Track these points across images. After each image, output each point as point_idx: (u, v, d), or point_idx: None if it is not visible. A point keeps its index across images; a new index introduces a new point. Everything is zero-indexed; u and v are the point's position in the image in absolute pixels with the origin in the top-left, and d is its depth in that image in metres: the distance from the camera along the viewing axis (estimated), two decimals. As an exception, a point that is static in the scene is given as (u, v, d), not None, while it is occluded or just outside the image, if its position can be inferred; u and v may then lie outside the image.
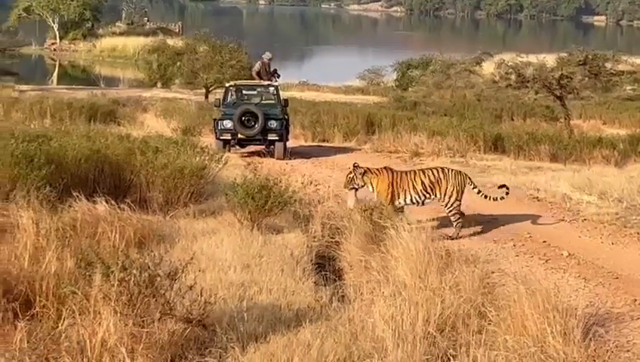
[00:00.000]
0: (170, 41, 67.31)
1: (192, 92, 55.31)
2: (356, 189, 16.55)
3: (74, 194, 14.64)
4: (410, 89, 62.09)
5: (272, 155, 28.19)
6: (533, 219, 18.17)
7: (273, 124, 28.25)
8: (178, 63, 57.91)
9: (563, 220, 18.34)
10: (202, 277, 10.91)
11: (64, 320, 9.22)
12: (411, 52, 78.73)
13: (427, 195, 16.60)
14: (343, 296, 11.71)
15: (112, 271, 9.02)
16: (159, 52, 61.12)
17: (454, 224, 16.44)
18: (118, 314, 8.87)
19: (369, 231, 14.31)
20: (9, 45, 60.01)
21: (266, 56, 31.60)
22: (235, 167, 22.93)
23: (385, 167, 17.08)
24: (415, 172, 17.07)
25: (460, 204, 16.60)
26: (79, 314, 9.04)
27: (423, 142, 30.60)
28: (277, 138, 28.27)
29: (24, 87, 54.37)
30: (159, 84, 61.94)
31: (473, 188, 16.90)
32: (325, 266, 13.67)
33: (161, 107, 41.69)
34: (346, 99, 54.90)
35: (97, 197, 14.58)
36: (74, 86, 64.84)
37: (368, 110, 39.21)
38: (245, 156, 28.28)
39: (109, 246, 11.98)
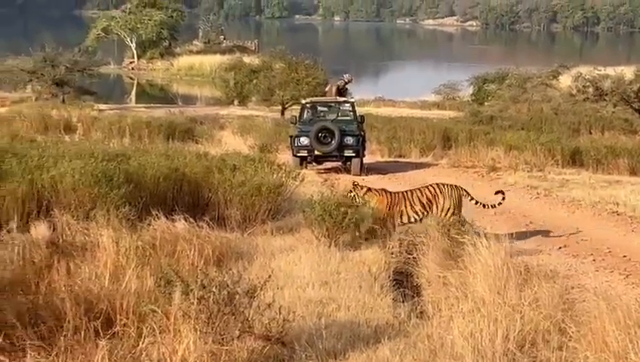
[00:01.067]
0: (246, 59, 67.89)
1: (269, 109, 55.60)
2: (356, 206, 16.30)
3: (153, 212, 14.78)
4: (486, 103, 61.61)
5: (348, 171, 28.22)
6: (613, 233, 17.92)
7: (349, 140, 28.29)
8: (254, 81, 58.35)
9: (644, 234, 18.06)
10: (281, 294, 10.94)
11: (144, 338, 9.29)
12: (487, 66, 78.14)
13: (425, 213, 16.58)
14: (421, 313, 11.64)
15: (192, 289, 9.07)
16: (236, 70, 61.64)
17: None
18: (198, 332, 8.92)
19: (447, 247, 14.22)
20: (88, 65, 60.63)
21: (347, 76, 31.71)
22: (311, 183, 22.99)
23: (383, 189, 17.17)
24: (412, 191, 16.96)
25: (458, 217, 16.46)
26: (159, 333, 9.11)
27: (500, 156, 30.35)
28: (353, 154, 28.30)
29: (103, 107, 55.09)
30: (236, 102, 62.38)
31: (470, 199, 16.88)
32: (403, 282, 13.61)
33: (238, 124, 41.97)
34: (421, 114, 54.77)
35: (176, 215, 14.71)
36: (152, 104, 65.56)
37: (444, 125, 39.02)
38: (322, 173, 28.31)
39: (188, 265, 12.08)
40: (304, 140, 28.28)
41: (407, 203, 16.53)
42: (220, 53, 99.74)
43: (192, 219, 14.39)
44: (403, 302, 12.10)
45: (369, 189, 16.67)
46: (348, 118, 29.62)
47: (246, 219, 16.81)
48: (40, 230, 13.91)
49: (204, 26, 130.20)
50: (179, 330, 9.00)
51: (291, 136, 29.41)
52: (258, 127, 39.79)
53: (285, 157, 28.26)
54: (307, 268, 13.13)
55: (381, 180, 26.54)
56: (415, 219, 16.58)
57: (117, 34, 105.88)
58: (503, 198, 17.06)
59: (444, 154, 33.51)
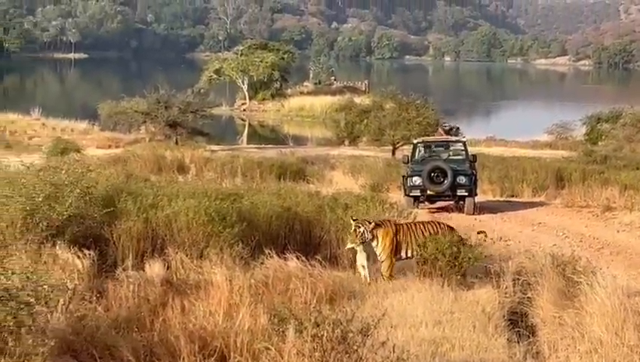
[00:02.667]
0: (356, 99, 68.16)
1: (379, 149, 55.57)
2: (366, 244, 15.73)
3: (265, 251, 14.87)
4: (600, 143, 60.77)
5: (460, 210, 28.05)
6: None
7: (462, 179, 28.17)
8: (365, 121, 58.46)
9: None
10: (394, 333, 10.85)
11: (258, 375, 9.31)
12: (600, 105, 77.14)
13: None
14: (537, 353, 11.44)
15: (305, 327, 9.06)
16: (346, 110, 61.95)
17: None
18: (312, 370, 8.89)
19: (562, 286, 13.95)
20: (201, 106, 61.43)
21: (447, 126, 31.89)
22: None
23: (388, 220, 16.59)
24: (416, 225, 16.48)
25: None
26: (273, 370, 9.11)
27: (614, 196, 29.78)
28: (466, 193, 28.17)
29: (215, 147, 55.76)
30: (346, 142, 62.57)
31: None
32: (518, 322, 13.38)
33: (349, 164, 42.02)
34: (533, 153, 54.17)
35: (288, 253, 14.78)
36: (263, 145, 66.20)
37: (557, 164, 38.50)
38: (433, 211, 28.17)
39: (300, 303, 12.09)
40: (417, 180, 28.25)
41: (413, 236, 15.94)
42: (331, 94, 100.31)
43: (304, 258, 14.43)
44: (518, 342, 11.88)
45: (377, 224, 15.93)
46: (460, 157, 29.52)
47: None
48: (154, 268, 14.09)
49: (314, 67, 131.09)
50: (292, 368, 8.98)
51: (404, 176, 29.42)
52: (369, 167, 39.79)
53: (396, 196, 28.21)
54: (420, 307, 13.01)
55: (493, 219, 26.30)
56: (417, 255, 15.76)
57: (229, 76, 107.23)
58: (485, 240, 16.76)
59: (557, 193, 33.03)
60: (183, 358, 9.73)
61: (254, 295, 12.19)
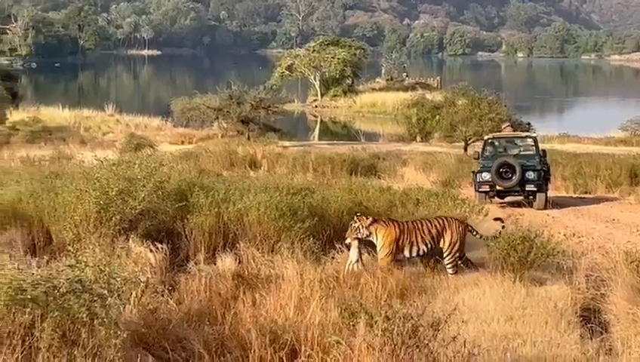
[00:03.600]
0: (428, 96, 67.93)
1: (451, 145, 55.33)
2: (360, 240, 15.27)
3: (336, 245, 14.87)
4: (676, 139, 59.84)
5: (532, 206, 27.88)
6: None
7: (531, 175, 28.00)
8: (437, 117, 58.27)
9: None
10: (465, 328, 10.78)
11: (328, 369, 9.32)
12: (677, 101, 75.96)
13: (432, 246, 15.59)
14: (610, 350, 11.28)
15: (376, 321, 9.04)
16: (418, 106, 61.75)
17: (450, 270, 15.51)
18: (382, 364, 8.88)
19: (636, 283, 13.76)
20: (272, 102, 61.63)
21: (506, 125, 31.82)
22: (495, 218, 22.69)
23: (391, 219, 16.04)
24: (421, 222, 15.92)
25: (462, 252, 15.77)
26: (344, 364, 9.11)
27: (691, 193, 29.35)
28: (535, 189, 28.00)
29: (287, 143, 55.92)
30: (418, 138, 62.38)
31: (476, 233, 16.11)
32: (590, 319, 13.22)
33: (421, 160, 41.88)
34: (607, 150, 53.48)
35: (359, 249, 14.78)
36: (335, 141, 66.28)
37: (632, 161, 37.95)
38: (505, 207, 27.97)
39: (371, 297, 12.07)
40: (486, 175, 28.15)
41: (418, 235, 15.53)
42: (402, 90, 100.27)
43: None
44: (591, 338, 11.74)
45: (375, 220, 15.54)
46: (530, 152, 29.35)
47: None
48: (226, 262, 14.18)
49: (386, 64, 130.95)
50: (363, 362, 8.97)
51: (473, 172, 29.33)
52: (440, 163, 39.64)
53: (468, 192, 28.11)
54: (492, 302, 12.91)
55: (566, 216, 26.05)
56: (423, 252, 15.59)
57: (301, 72, 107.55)
58: (503, 227, 16.34)
59: (631, 190, 32.56)
60: (254, 351, 9.76)
61: (325, 289, 12.21)
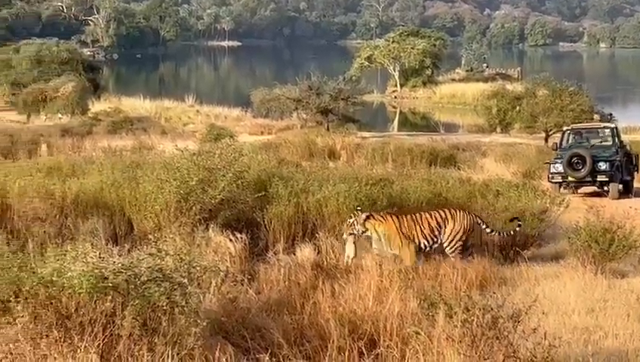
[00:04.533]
0: (509, 86, 67.28)
1: (531, 136, 54.80)
2: (355, 236, 14.88)
3: (415, 236, 14.83)
4: None
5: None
6: None
7: (603, 165, 27.95)
8: (517, 108, 57.72)
9: None
10: (545, 320, 10.65)
11: (408, 360, 9.29)
12: None
13: (435, 239, 15.09)
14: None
15: (455, 312, 8.99)
16: (498, 97, 61.15)
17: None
18: (462, 356, 8.82)
19: None
20: (352, 93, 61.56)
21: None
22: (576, 210, 22.36)
23: (389, 213, 15.46)
24: (421, 215, 15.36)
25: (463, 244, 15.17)
26: (423, 355, 9.08)
27: None
28: (606, 179, 27.98)
29: (366, 134, 55.84)
30: (498, 129, 61.86)
31: (485, 227, 15.53)
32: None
33: (501, 151, 41.55)
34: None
35: (439, 239, 14.74)
36: (414, 132, 66.06)
37: None
38: (586, 198, 27.63)
39: (450, 288, 12.01)
40: (558, 166, 28.25)
41: (418, 227, 15.06)
42: (483, 81, 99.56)
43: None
44: (675, 332, 11.55)
45: (371, 215, 15.06)
46: (607, 143, 29.19)
47: (509, 244, 16.54)
48: (305, 252, 14.21)
49: (466, 54, 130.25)
50: (442, 353, 8.93)
51: (547, 162, 29.27)
52: (521, 155, 39.26)
53: (549, 184, 27.86)
54: (572, 294, 12.78)
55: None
56: (425, 246, 15.09)
57: (380, 63, 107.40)
58: (520, 226, 15.93)
59: None
60: (333, 341, 9.77)
61: (404, 280, 12.19)
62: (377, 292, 11.55)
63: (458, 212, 15.33)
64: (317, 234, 15.23)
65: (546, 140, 50.70)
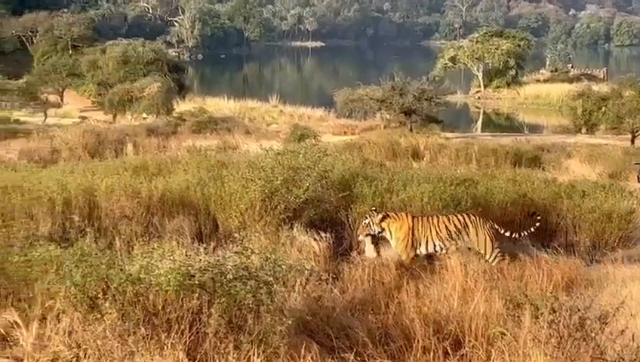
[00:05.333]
0: (594, 87, 66.44)
1: (617, 137, 54.13)
2: (373, 236, 14.79)
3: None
4: None
5: None
6: None
7: None
8: (603, 109, 57.02)
9: None
10: (633, 322, 10.51)
11: (493, 360, 9.24)
12: None
13: (452, 242, 14.67)
14: None
15: (542, 313, 8.93)
16: (583, 98, 60.45)
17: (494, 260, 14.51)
18: (548, 357, 8.75)
19: None
20: (435, 94, 61.36)
21: None
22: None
23: (405, 213, 15.19)
24: (438, 217, 15.01)
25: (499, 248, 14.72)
26: (508, 356, 9.03)
27: None
28: None
29: (449, 134, 55.62)
30: (583, 130, 61.18)
31: (504, 232, 15.01)
32: None
33: (586, 152, 41.06)
34: None
35: (524, 240, 14.62)
36: (497, 133, 65.62)
37: None
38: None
39: (536, 289, 11.91)
40: (647, 166, 27.83)
41: (433, 229, 14.75)
42: (567, 82, 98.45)
43: (539, 244, 14.24)
44: None
45: (387, 214, 14.96)
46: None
47: (595, 245, 16.36)
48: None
49: (551, 55, 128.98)
50: (528, 354, 8.87)
51: (638, 163, 28.90)
52: (607, 155, 38.78)
53: (636, 185, 27.44)
54: (662, 297, 12.57)
55: None
56: (440, 248, 14.73)
57: (464, 63, 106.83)
58: (539, 221, 15.51)
59: None
60: (418, 341, 9.77)
61: (489, 280, 12.13)
62: (462, 292, 11.51)
63: (477, 218, 15.01)
64: (401, 234, 15.19)
65: (632, 141, 50.10)
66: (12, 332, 10.16)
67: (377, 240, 14.85)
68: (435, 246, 14.76)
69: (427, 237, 14.75)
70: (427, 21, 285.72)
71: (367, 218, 14.90)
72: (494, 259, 14.51)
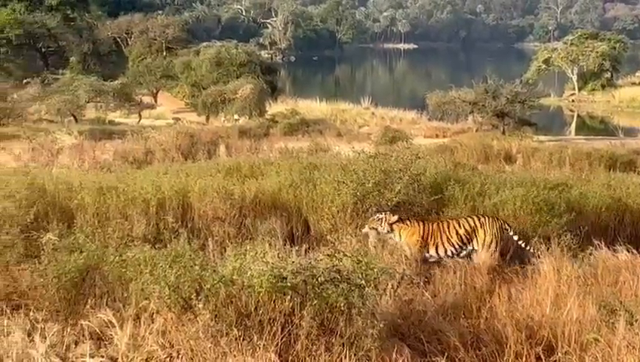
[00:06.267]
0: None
1: None
2: (378, 232, 14.60)
3: (594, 242, 14.55)
4: None
5: None
6: None
7: None
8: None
9: None
10: None
11: (586, 368, 9.17)
12: None
13: (463, 246, 14.53)
14: None
15: (637, 320, 8.82)
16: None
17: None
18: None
19: None
20: (528, 96, 60.74)
21: None
22: None
23: (417, 219, 15.03)
24: (448, 222, 14.83)
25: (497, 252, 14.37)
26: (602, 363, 8.94)
27: None
28: None
29: (542, 138, 55.05)
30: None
31: (513, 235, 14.66)
32: None
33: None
34: None
35: (618, 245, 14.40)
36: (591, 136, 64.74)
37: None
38: None
39: (630, 295, 11.74)
40: None
41: (444, 235, 14.65)
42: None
43: (634, 251, 14.03)
44: None
45: (399, 219, 14.80)
46: None
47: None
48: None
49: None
50: (622, 361, 8.75)
51: None
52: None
53: None
54: None
55: None
56: (452, 253, 14.58)
57: (558, 66, 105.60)
58: None
59: None
60: (510, 346, 9.71)
61: (582, 286, 11.98)
62: (555, 297, 11.40)
63: (487, 219, 14.88)
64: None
65: None
66: (107, 332, 10.33)
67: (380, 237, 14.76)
68: (445, 251, 14.71)
69: (437, 243, 14.72)
70: (521, 23, 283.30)
71: (382, 213, 14.85)
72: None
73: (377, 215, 14.88)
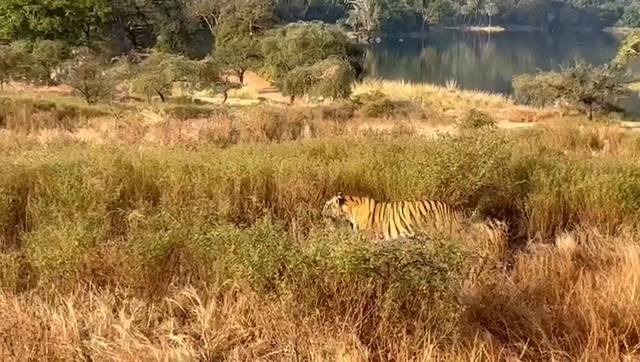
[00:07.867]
0: None
1: None
2: (334, 219, 14.32)
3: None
4: None
5: None
6: None
7: None
8: None
9: None
10: None
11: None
12: None
13: (418, 229, 13.85)
14: None
15: None
16: None
17: None
18: None
19: None
20: (617, 82, 59.93)
21: None
22: None
23: (369, 198, 14.85)
24: (404, 204, 14.50)
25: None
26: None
27: None
28: None
29: (630, 123, 54.23)
30: None
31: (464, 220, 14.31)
32: None
33: None
34: None
35: None
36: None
37: None
38: None
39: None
40: None
41: (397, 216, 14.41)
42: None
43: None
44: None
45: (343, 200, 14.75)
46: None
47: None
48: (565, 242, 13.99)
49: None
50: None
51: None
52: None
53: None
54: None
55: None
56: (406, 236, 13.96)
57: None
58: None
59: None
60: (593, 333, 9.62)
61: (669, 274, 11.80)
62: (640, 286, 11.25)
63: (444, 205, 14.64)
64: (578, 224, 14.95)
65: None
66: (190, 309, 10.46)
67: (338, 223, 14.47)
68: (398, 232, 14.50)
69: (389, 224, 14.61)
70: (610, 7, 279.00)
71: (329, 201, 15.00)
72: None
73: (327, 202, 15.01)
